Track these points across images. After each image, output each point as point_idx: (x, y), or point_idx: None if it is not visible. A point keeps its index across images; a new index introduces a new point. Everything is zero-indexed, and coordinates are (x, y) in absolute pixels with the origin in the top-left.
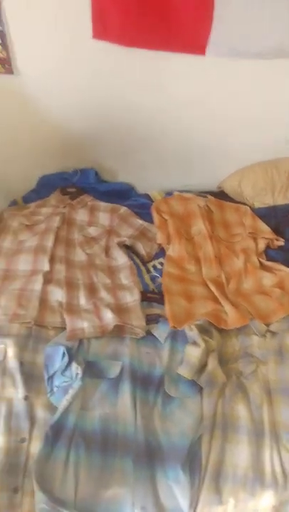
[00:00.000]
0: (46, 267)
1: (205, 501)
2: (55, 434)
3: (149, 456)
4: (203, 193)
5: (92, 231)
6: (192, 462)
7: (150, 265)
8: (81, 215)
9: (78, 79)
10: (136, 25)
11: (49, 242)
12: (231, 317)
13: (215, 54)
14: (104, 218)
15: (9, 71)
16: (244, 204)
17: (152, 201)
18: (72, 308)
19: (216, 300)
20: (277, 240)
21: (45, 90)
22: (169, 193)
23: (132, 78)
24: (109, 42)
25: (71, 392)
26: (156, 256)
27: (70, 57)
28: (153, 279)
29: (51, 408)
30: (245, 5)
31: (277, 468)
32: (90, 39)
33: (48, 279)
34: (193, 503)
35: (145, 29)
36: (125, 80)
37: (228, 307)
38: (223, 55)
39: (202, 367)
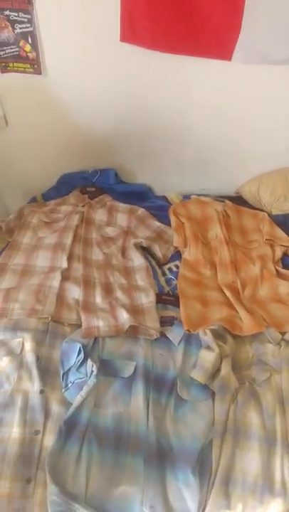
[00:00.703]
0: (64, 264)
1: (213, 505)
2: (69, 428)
3: (160, 457)
4: (220, 198)
5: (110, 231)
6: (202, 466)
7: (166, 268)
8: (99, 215)
9: (103, 80)
10: (164, 30)
11: (68, 240)
12: (246, 324)
13: (241, 60)
14: (122, 219)
15: (38, 71)
16: (262, 210)
17: (170, 204)
18: (88, 306)
19: (230, 306)
20: None
21: (71, 91)
22: (187, 196)
23: (155, 81)
24: (137, 45)
25: (85, 388)
26: (172, 259)
27: (96, 59)
28: (168, 281)
29: (65, 403)
30: (273, 12)
31: (287, 478)
32: (117, 42)
33: (66, 276)
34: (202, 506)
35: (173, 34)
36: (148, 82)
37: (243, 313)
38: (249, 61)
39: (215, 372)
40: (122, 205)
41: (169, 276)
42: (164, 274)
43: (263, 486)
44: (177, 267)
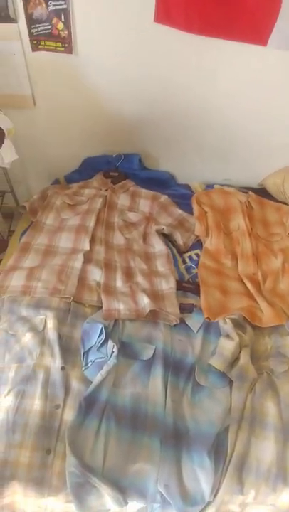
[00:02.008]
0: (87, 246)
1: (226, 489)
2: (88, 405)
3: (177, 439)
4: (243, 189)
5: (132, 216)
6: (217, 450)
7: (186, 255)
8: (122, 200)
9: (133, 62)
10: (200, 11)
11: (91, 223)
12: (267, 315)
13: (277, 46)
14: (144, 205)
15: (69, 50)
16: (286, 204)
17: (192, 192)
18: (109, 289)
19: (251, 297)
20: None
21: (100, 72)
22: (209, 186)
23: (185, 64)
24: (171, 27)
25: (106, 368)
26: (193, 247)
27: (128, 40)
28: (188, 269)
29: (85, 381)
30: None
31: None
32: (150, 23)
33: (88, 258)
34: (215, 489)
35: (209, 16)
36: (178, 65)
37: (263, 305)
38: (285, 47)
39: (234, 360)
40: (144, 191)
41: (190, 264)
42: (184, 261)
43: (276, 474)
44: (198, 255)
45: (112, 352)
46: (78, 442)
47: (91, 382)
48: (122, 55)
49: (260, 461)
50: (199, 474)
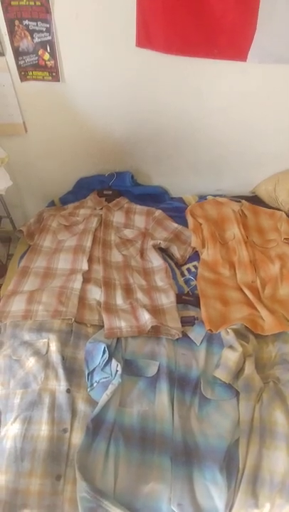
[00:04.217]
0: (85, 266)
1: (241, 504)
2: (96, 426)
3: (187, 456)
4: (236, 198)
5: (128, 233)
6: (229, 464)
7: (184, 268)
8: (117, 217)
9: (119, 85)
10: (179, 34)
11: (88, 243)
12: (268, 323)
13: (257, 60)
14: (139, 221)
15: (56, 79)
16: (279, 210)
17: (186, 205)
18: (109, 307)
19: (251, 305)
20: None
21: (88, 97)
22: (202, 197)
23: (169, 85)
24: (152, 50)
25: (111, 387)
26: (190, 259)
27: (112, 64)
28: (187, 281)
29: (91, 402)
30: (288, 11)
31: None
32: (132, 47)
33: (87, 278)
34: (229, 505)
35: (188, 37)
36: (163, 86)
37: (264, 313)
38: (265, 61)
39: (239, 371)
40: (139, 207)
41: (188, 276)
42: (182, 274)
43: None
44: (196, 267)
45: (117, 371)
46: (88, 466)
47: (97, 403)
48: (108, 80)
49: (273, 472)
50: (212, 491)
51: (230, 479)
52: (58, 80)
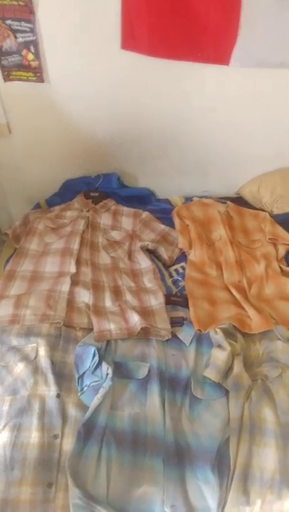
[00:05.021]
0: (73, 269)
1: (233, 502)
2: (87, 431)
3: (179, 457)
4: (222, 199)
5: (116, 235)
6: (220, 463)
7: (172, 269)
8: (104, 219)
9: (104, 87)
10: (163, 37)
11: (75, 245)
12: (255, 322)
13: (239, 64)
14: (127, 223)
15: (40, 79)
16: (263, 210)
17: (172, 206)
18: (98, 310)
19: (238, 305)
20: None
21: (73, 98)
22: (189, 199)
23: (155, 87)
24: (137, 52)
25: (102, 391)
26: (178, 260)
27: (97, 66)
28: (175, 282)
29: (82, 406)
30: (269, 16)
31: None
32: (118, 49)
33: (75, 281)
34: (222, 504)
35: (172, 41)
36: (148, 88)
37: (251, 312)
38: (247, 65)
39: (228, 370)
40: (126, 209)
41: (176, 277)
42: (170, 275)
43: (280, 481)
44: (183, 268)
45: (107, 374)
46: (80, 471)
47: (88, 407)
48: (93, 81)
49: (264, 469)
50: (204, 491)
51: (222, 478)
52: (43, 81)
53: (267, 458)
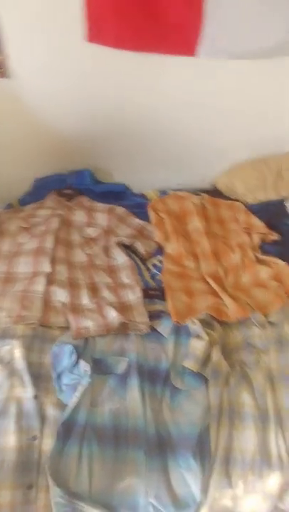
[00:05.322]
0: (48, 268)
1: (216, 486)
2: (67, 430)
3: (161, 447)
4: (197, 191)
5: (91, 232)
6: (202, 450)
7: (149, 263)
8: (79, 216)
9: (71, 81)
10: (129, 28)
11: (49, 244)
12: (232, 310)
13: (205, 55)
14: (102, 219)
15: (3, 75)
16: (237, 201)
17: (148, 200)
18: (75, 307)
19: (215, 294)
20: (271, 234)
21: (39, 93)
22: (164, 192)
23: (124, 79)
24: (103, 45)
25: (80, 388)
26: (155, 254)
27: (63, 59)
28: (153, 276)
29: (61, 406)
30: (234, 5)
31: (283, 451)
32: (83, 42)
33: (51, 280)
34: (205, 488)
35: (138, 33)
36: (117, 81)
37: (228, 300)
38: (214, 56)
39: (206, 359)
40: (100, 205)
41: (154, 271)
42: (148, 269)
43: (260, 461)
44: (160, 261)
45: (85, 371)
46: (61, 470)
47: (67, 406)
48: (59, 76)
49: (244, 451)
50: (187, 477)
51: (204, 464)
52: (6, 76)
53: (247, 440)
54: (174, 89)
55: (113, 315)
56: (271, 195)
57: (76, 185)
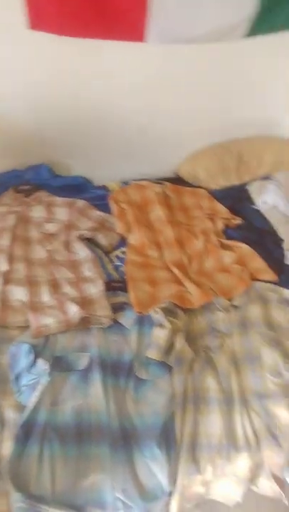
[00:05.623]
0: (4, 266)
1: (184, 473)
2: (26, 432)
3: (125, 440)
4: (160, 180)
5: (51, 227)
6: (167, 438)
7: (113, 255)
8: (38, 212)
9: (17, 71)
10: (73, 14)
11: (6, 242)
12: (195, 296)
13: (156, 41)
14: (62, 213)
15: None
16: (200, 187)
17: (109, 192)
18: (35, 305)
19: (179, 282)
20: (234, 219)
21: None
22: (127, 183)
23: (74, 68)
24: (46, 32)
25: (39, 388)
26: (118, 245)
27: (5, 49)
28: (116, 268)
29: (20, 409)
30: None
31: (249, 432)
32: (25, 30)
33: (8, 279)
34: (172, 477)
35: (83, 18)
36: (68, 70)
37: (191, 287)
38: (164, 41)
39: (170, 347)
40: (60, 200)
41: (117, 263)
42: (111, 261)
43: (227, 444)
44: (124, 253)
45: (44, 369)
46: (20, 474)
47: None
48: (4, 66)
49: (210, 435)
50: (153, 467)
51: (170, 452)
52: None
53: (213, 424)
54: (126, 78)
55: (74, 310)
56: (234, 180)
57: (34, 180)
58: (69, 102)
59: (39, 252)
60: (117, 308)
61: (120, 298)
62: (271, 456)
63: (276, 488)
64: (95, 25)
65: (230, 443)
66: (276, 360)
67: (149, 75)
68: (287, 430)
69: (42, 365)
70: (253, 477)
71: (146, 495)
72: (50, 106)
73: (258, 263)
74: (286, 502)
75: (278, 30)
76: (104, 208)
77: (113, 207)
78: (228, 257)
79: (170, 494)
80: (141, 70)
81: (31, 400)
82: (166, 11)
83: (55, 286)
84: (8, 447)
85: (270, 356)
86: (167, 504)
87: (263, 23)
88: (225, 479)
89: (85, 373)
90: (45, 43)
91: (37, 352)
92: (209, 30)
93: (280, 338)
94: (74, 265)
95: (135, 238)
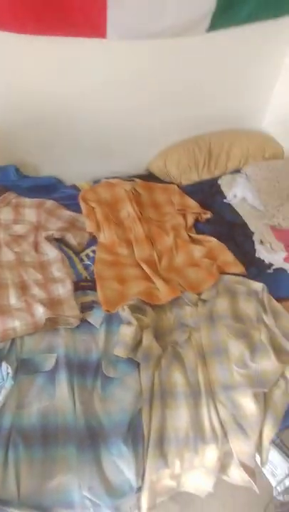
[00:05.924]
0: None
1: (151, 467)
2: None
3: (92, 439)
4: (132, 177)
5: (19, 229)
6: (134, 435)
7: (83, 254)
8: (5, 214)
9: None
10: (31, 11)
11: None
12: (163, 292)
13: (117, 37)
14: (30, 214)
15: None
16: (172, 183)
17: (80, 191)
18: (2, 308)
19: (148, 279)
20: (204, 213)
21: None
22: (98, 182)
23: (33, 67)
24: (7, 31)
25: (3, 392)
26: (89, 245)
27: None
28: (86, 267)
29: None
30: None
31: (216, 423)
32: None
33: None
34: (140, 472)
35: (41, 15)
36: (32, 68)
37: (159, 283)
38: (125, 37)
39: (137, 344)
40: (28, 200)
41: (87, 262)
42: (82, 261)
43: (194, 437)
44: (94, 252)
45: (8, 373)
46: None
47: None
48: None
49: (177, 429)
50: (120, 464)
51: (137, 448)
52: None
53: (180, 418)
54: (91, 75)
55: (40, 311)
56: (205, 175)
57: (1, 181)
58: (33, 103)
59: (6, 255)
60: (86, 307)
61: (89, 297)
62: (239, 446)
63: (245, 476)
64: (55, 23)
65: (198, 435)
66: (242, 352)
67: (117, 71)
68: (254, 419)
69: (5, 369)
70: (222, 467)
71: (113, 492)
72: (15, 105)
73: (227, 256)
74: (256, 489)
75: (240, 25)
76: (76, 208)
77: (82, 206)
78: (197, 252)
79: (139, 490)
80: (109, 66)
81: None
82: (125, 7)
83: (23, 288)
84: None
85: (236, 348)
86: (138, 499)
87: (224, 18)
88: (195, 471)
89: (52, 374)
90: (10, 42)
91: (2, 356)
92: (170, 25)
93: (248, 330)
94: (43, 266)
95: (105, 236)
